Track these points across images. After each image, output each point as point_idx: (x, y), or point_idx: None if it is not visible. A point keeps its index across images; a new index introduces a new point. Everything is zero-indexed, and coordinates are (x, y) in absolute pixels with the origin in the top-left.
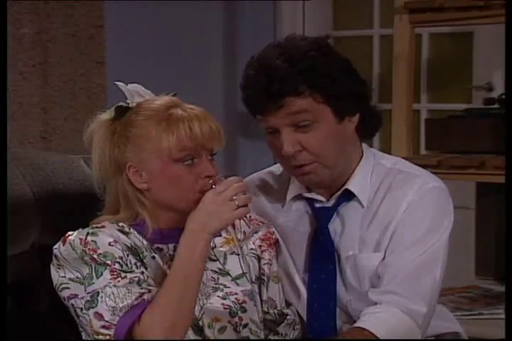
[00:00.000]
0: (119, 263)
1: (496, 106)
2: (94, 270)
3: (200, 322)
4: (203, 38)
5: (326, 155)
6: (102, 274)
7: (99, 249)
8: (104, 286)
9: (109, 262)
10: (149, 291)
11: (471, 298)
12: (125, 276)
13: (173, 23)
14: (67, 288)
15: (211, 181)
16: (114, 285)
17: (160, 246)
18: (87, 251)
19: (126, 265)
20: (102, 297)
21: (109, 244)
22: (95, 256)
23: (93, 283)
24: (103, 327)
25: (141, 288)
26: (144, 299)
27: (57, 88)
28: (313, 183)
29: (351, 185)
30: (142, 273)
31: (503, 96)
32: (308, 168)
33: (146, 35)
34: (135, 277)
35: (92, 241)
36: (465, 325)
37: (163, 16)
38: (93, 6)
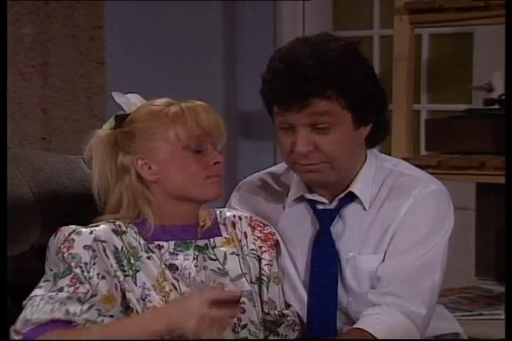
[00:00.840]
0: (80, 268)
1: (496, 106)
2: (61, 273)
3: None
4: (203, 38)
5: (337, 158)
6: (64, 277)
7: (72, 248)
8: (42, 295)
9: (73, 264)
10: (79, 315)
11: (471, 299)
12: (78, 287)
13: (173, 24)
14: (40, 287)
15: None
16: (50, 297)
17: (161, 243)
18: (61, 248)
19: (88, 272)
20: (30, 304)
21: (84, 247)
22: (66, 254)
23: (53, 286)
24: (14, 331)
25: (69, 311)
26: (65, 319)
27: (57, 88)
28: (316, 182)
29: (355, 188)
30: (88, 291)
31: (503, 97)
32: (316, 167)
33: (146, 35)
34: (81, 292)
35: (71, 239)
36: (465, 326)
37: (163, 17)
38: (93, 7)
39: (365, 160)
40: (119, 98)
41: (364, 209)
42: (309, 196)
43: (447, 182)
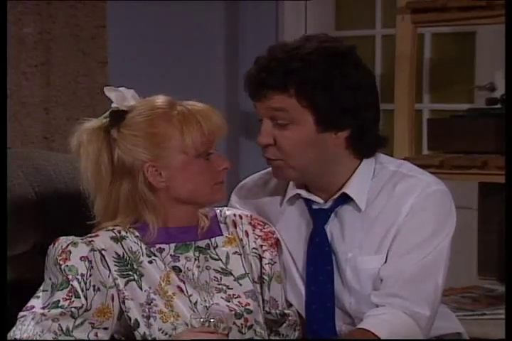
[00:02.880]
0: (77, 280)
1: (498, 106)
2: (59, 285)
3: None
4: (205, 38)
5: (292, 157)
6: (61, 290)
7: (69, 260)
8: (34, 313)
9: (70, 277)
10: (72, 331)
11: (474, 299)
12: (73, 301)
13: (175, 23)
14: (38, 297)
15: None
16: (43, 315)
17: (162, 246)
18: (59, 260)
19: (85, 284)
20: (21, 322)
21: (80, 259)
22: (63, 266)
23: (50, 297)
24: None
25: (61, 327)
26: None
27: (60, 88)
28: (283, 179)
29: (348, 189)
30: (82, 306)
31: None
32: (274, 163)
33: (148, 35)
34: (75, 307)
35: (68, 251)
36: (467, 326)
37: (166, 16)
38: (95, 6)
39: (361, 162)
40: (109, 92)
41: (360, 210)
42: (305, 195)
43: (449, 182)
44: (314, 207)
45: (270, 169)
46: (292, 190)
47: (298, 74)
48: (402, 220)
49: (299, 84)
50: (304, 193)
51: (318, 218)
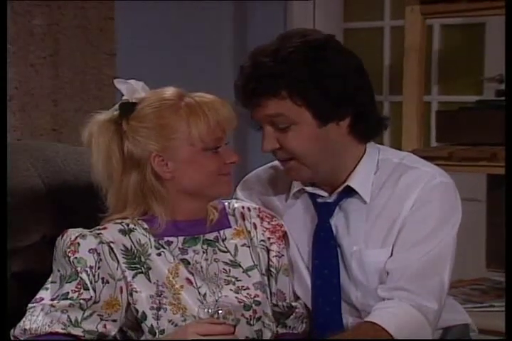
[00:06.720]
0: (86, 272)
1: None
2: (68, 277)
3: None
4: (214, 30)
5: (303, 156)
6: (70, 282)
7: (78, 252)
8: (43, 304)
9: (79, 269)
10: (80, 322)
11: (482, 291)
12: (82, 293)
13: (184, 16)
14: (47, 289)
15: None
16: (52, 306)
17: (170, 239)
18: (67, 252)
19: (94, 276)
20: (30, 313)
21: (89, 251)
22: (72, 258)
23: (59, 289)
24: (13, 336)
25: (70, 318)
26: (64, 332)
27: (68, 80)
28: (297, 180)
29: (352, 182)
30: (91, 298)
31: None
32: (287, 165)
33: (156, 27)
34: (84, 299)
35: (77, 243)
36: (476, 317)
37: (174, 9)
38: None
39: (364, 154)
40: (119, 84)
41: (364, 202)
42: (309, 189)
43: (458, 174)
44: (319, 200)
45: (274, 163)
46: (297, 184)
47: (285, 76)
48: (407, 213)
49: (289, 86)
50: (308, 187)
51: (323, 212)
